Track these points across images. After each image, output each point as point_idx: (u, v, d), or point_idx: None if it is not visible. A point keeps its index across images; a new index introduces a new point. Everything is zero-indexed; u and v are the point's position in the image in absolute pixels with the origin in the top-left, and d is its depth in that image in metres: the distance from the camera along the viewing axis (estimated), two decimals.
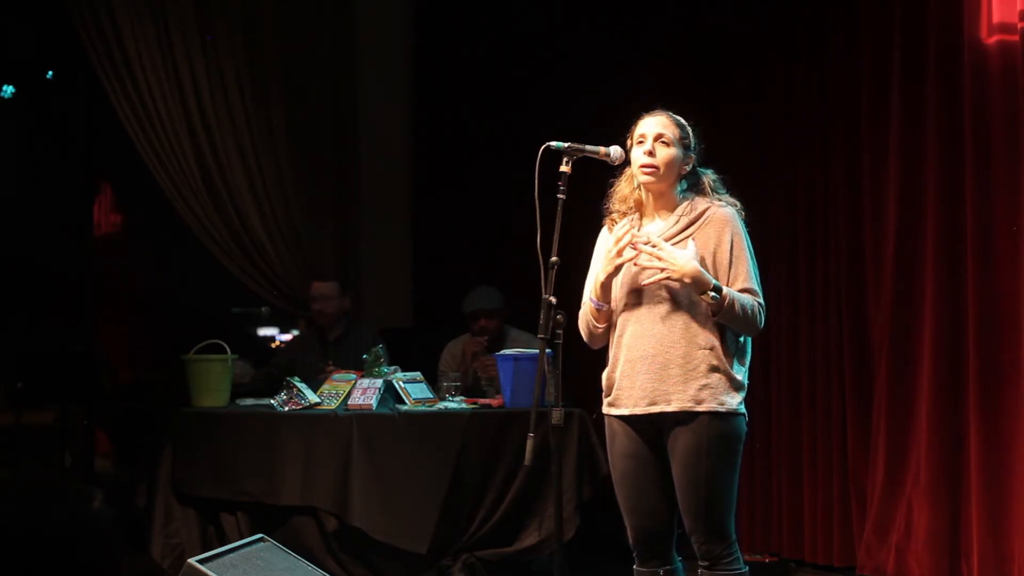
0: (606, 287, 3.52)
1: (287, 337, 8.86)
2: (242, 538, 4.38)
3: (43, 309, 8.23)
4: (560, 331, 3.41)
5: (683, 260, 3.38)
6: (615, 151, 3.56)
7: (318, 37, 7.19)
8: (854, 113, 5.33)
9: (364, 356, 5.41)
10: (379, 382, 5.20)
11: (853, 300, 5.34)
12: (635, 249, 3.47)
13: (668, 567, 3.55)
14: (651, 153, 3.49)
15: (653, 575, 3.55)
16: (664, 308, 3.45)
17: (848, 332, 5.35)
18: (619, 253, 3.45)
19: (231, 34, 6.73)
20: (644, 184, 3.53)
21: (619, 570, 3.87)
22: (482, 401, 5.34)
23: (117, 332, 9.09)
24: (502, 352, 5.28)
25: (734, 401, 3.44)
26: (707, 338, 3.43)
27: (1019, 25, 4.67)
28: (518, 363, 5.11)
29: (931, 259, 4.96)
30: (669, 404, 3.43)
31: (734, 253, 3.48)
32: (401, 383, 5.25)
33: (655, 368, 3.44)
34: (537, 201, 3.44)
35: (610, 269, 3.49)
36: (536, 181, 3.43)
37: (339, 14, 7.33)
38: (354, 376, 5.33)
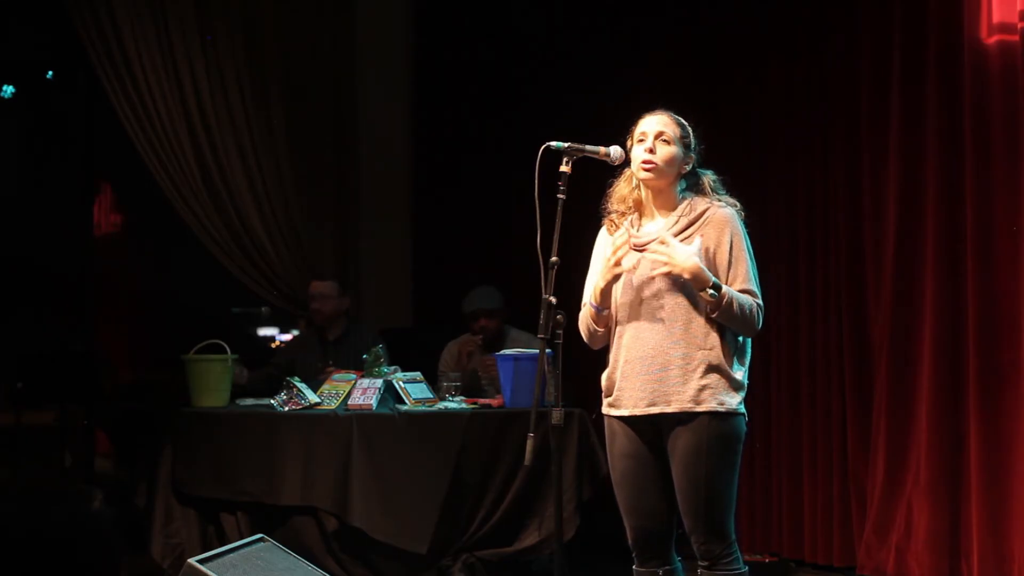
0: (605, 293, 3.52)
1: (287, 337, 8.86)
2: (242, 538, 4.38)
3: (43, 309, 8.22)
4: (560, 331, 3.41)
5: (684, 256, 3.38)
6: (615, 151, 3.56)
7: (318, 37, 7.19)
8: (854, 113, 5.33)
9: (364, 356, 5.41)
10: (379, 382, 5.20)
11: (853, 300, 5.34)
12: (637, 250, 3.47)
13: (668, 567, 3.55)
14: (652, 151, 3.49)
15: (653, 575, 3.55)
16: (664, 309, 3.45)
17: (848, 332, 5.35)
18: (618, 262, 3.45)
19: (231, 34, 6.73)
20: (644, 181, 3.53)
21: (619, 570, 3.87)
22: (482, 401, 5.34)
23: (117, 332, 9.09)
24: (502, 352, 5.28)
25: (734, 401, 3.44)
26: (707, 338, 3.43)
27: (1019, 25, 4.67)
28: (518, 363, 5.11)
29: (931, 259, 4.96)
30: (669, 405, 3.43)
31: (733, 254, 3.48)
32: (401, 383, 5.25)
33: (655, 369, 3.44)
34: (537, 201, 3.44)
35: (609, 277, 3.49)
36: (536, 181, 3.43)
37: (339, 14, 7.33)
38: (354, 376, 5.33)
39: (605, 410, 3.59)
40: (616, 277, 3.49)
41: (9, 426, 7.33)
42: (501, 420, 5.13)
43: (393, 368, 5.37)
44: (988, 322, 4.73)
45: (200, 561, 3.75)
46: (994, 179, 4.73)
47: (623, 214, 3.60)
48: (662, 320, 3.44)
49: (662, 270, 3.41)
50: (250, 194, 6.70)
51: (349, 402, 5.17)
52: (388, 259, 7.59)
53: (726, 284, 3.44)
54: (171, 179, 6.52)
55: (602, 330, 3.58)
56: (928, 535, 4.92)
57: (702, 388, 3.41)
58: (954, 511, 4.87)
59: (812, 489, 5.49)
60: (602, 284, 3.51)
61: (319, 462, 5.06)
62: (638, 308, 3.48)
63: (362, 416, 5.06)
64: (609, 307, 3.54)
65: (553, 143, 3.50)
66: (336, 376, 5.41)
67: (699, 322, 3.43)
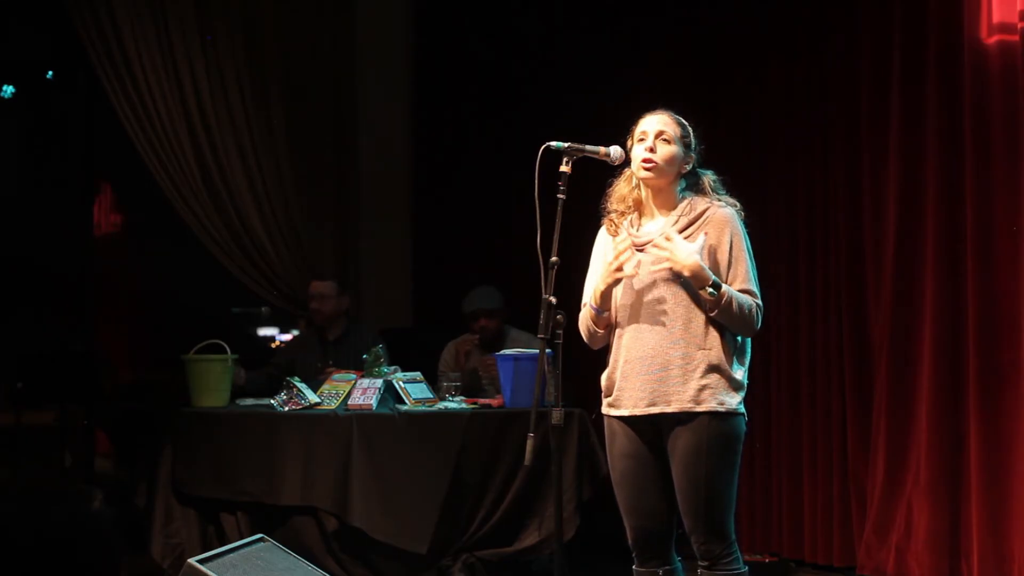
0: (605, 295, 3.52)
1: (287, 337, 8.85)
2: (242, 538, 4.38)
3: (43, 309, 8.22)
4: (560, 331, 3.41)
5: (685, 253, 3.38)
6: (615, 151, 3.56)
7: (318, 37, 7.19)
8: (854, 113, 5.33)
9: (364, 356, 5.41)
10: (379, 382, 5.20)
11: (853, 300, 5.34)
12: (638, 249, 3.48)
13: (667, 567, 3.55)
14: (652, 150, 3.49)
15: (653, 575, 3.55)
16: (664, 309, 3.45)
17: (848, 332, 5.35)
18: (619, 267, 3.45)
19: (231, 34, 6.73)
20: (644, 180, 3.54)
21: (619, 570, 3.87)
22: (482, 401, 5.34)
23: (117, 332, 9.09)
24: (502, 352, 5.28)
25: (734, 401, 3.44)
26: (707, 338, 3.43)
27: (1019, 25, 4.67)
28: (518, 363, 5.11)
29: (931, 259, 4.96)
30: (669, 405, 3.43)
31: (733, 254, 3.48)
32: (401, 383, 5.25)
33: (655, 369, 3.44)
34: (537, 201, 3.44)
35: (609, 281, 3.48)
36: (536, 181, 3.43)
37: (339, 14, 7.33)
38: (354, 376, 5.33)
39: (605, 410, 3.59)
40: (617, 281, 3.49)
41: (9, 426, 7.33)
42: (501, 420, 5.13)
43: (393, 368, 5.37)
44: (988, 322, 4.73)
45: (200, 561, 3.75)
46: (994, 179, 4.73)
47: (623, 213, 3.60)
48: (662, 320, 3.44)
49: (663, 266, 3.41)
50: (250, 194, 6.70)
51: (349, 402, 5.17)
52: (388, 259, 7.59)
53: (726, 284, 3.44)
54: (171, 179, 6.52)
55: (602, 331, 3.58)
56: (928, 535, 4.92)
57: (702, 388, 3.41)
58: (954, 511, 4.87)
59: (812, 489, 5.49)
60: (602, 287, 3.51)
61: (319, 462, 5.06)
62: (638, 309, 3.48)
63: (362, 416, 5.06)
64: (609, 309, 3.54)
65: (553, 143, 3.50)
66: (336, 376, 5.41)
67: (699, 322, 3.43)
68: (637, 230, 3.57)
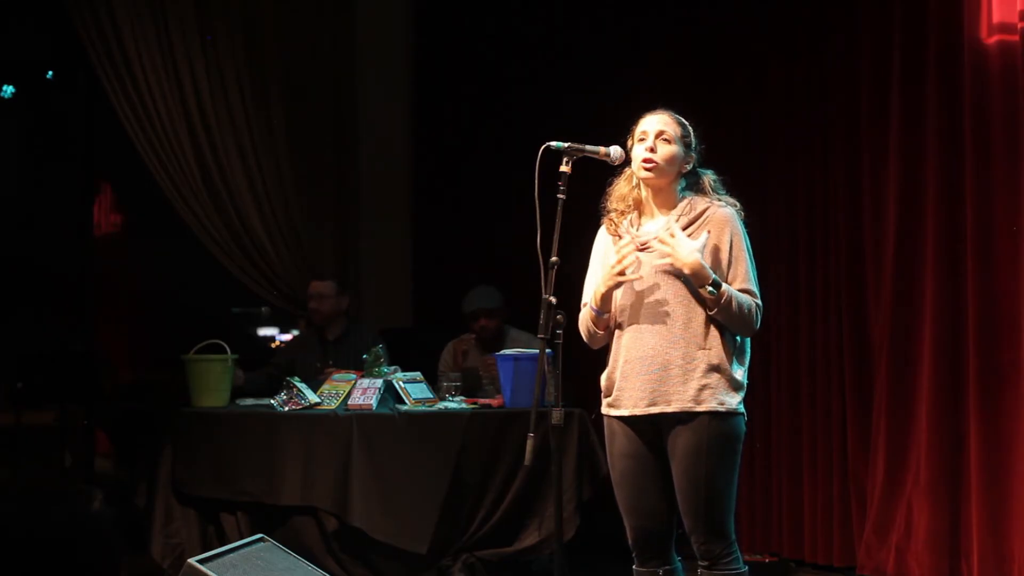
0: (606, 297, 3.52)
1: (287, 337, 8.85)
2: (242, 538, 4.38)
3: (43, 309, 8.22)
4: (560, 331, 3.41)
5: (686, 251, 3.38)
6: (615, 151, 3.56)
7: (318, 37, 7.19)
8: (854, 113, 5.33)
9: (364, 356, 5.41)
10: (379, 382, 5.20)
11: (853, 300, 5.34)
12: (639, 249, 3.48)
13: (668, 567, 3.55)
14: (652, 149, 3.49)
15: (653, 575, 3.55)
16: (664, 309, 3.45)
17: (848, 332, 5.35)
18: (622, 272, 3.45)
19: (231, 34, 6.72)
20: (644, 180, 3.54)
21: (619, 570, 3.87)
22: (482, 401, 5.34)
23: (117, 332, 9.09)
24: (502, 352, 5.28)
25: (734, 401, 3.44)
26: (707, 338, 3.43)
27: (1019, 25, 4.67)
28: (518, 363, 5.11)
29: (931, 259, 4.96)
30: (669, 404, 3.43)
31: (733, 253, 3.48)
32: (401, 383, 5.26)
33: (655, 368, 3.44)
34: (537, 201, 3.45)
35: (611, 284, 3.48)
36: (536, 181, 3.43)
37: (339, 14, 7.33)
38: (354, 376, 5.33)
39: (604, 410, 3.59)
40: (618, 284, 3.49)
41: (9, 426, 7.33)
42: (501, 420, 5.13)
43: (393, 368, 5.37)
44: (988, 322, 4.73)
45: (200, 561, 3.75)
46: (994, 179, 4.73)
47: (623, 213, 3.60)
48: (662, 320, 3.44)
49: (664, 261, 3.41)
50: (250, 194, 6.70)
51: (349, 402, 5.17)
52: (388, 259, 7.59)
53: (725, 282, 3.44)
54: (171, 179, 6.52)
55: (602, 332, 3.58)
56: (928, 535, 4.92)
57: (702, 388, 3.41)
58: (954, 511, 4.87)
59: (812, 489, 5.49)
60: (603, 289, 3.50)
61: (319, 462, 5.06)
62: (638, 309, 3.48)
63: (362, 416, 5.06)
64: (609, 311, 3.54)
65: (553, 143, 3.50)
66: (336, 376, 5.41)
67: (699, 322, 3.43)
68: (637, 229, 3.57)
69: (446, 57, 7.46)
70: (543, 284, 3.40)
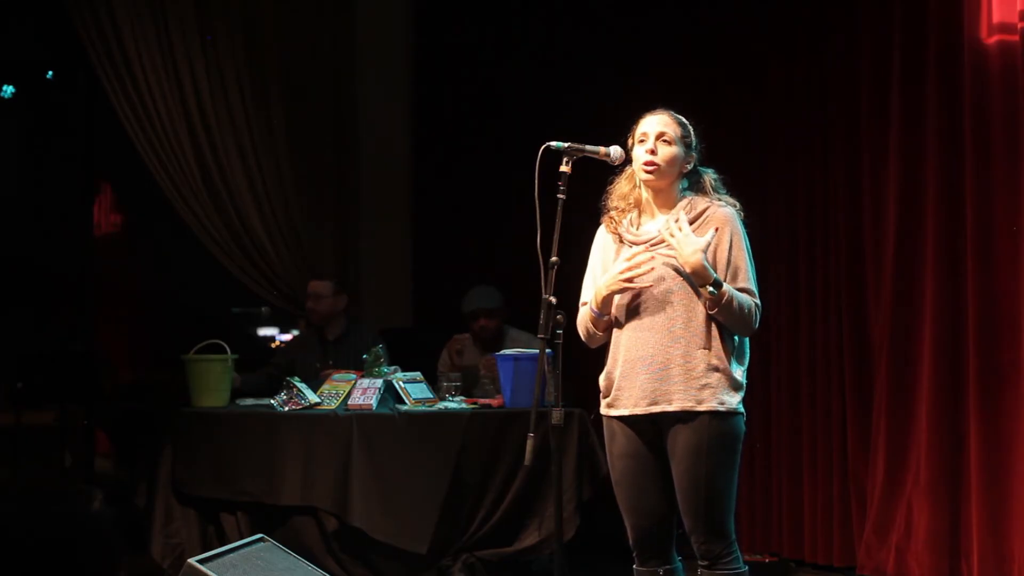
0: (608, 299, 3.52)
1: (287, 337, 8.85)
2: (242, 538, 4.38)
3: (43, 309, 8.22)
4: (560, 331, 3.41)
5: (690, 250, 3.38)
6: (615, 151, 3.56)
7: (318, 37, 7.19)
8: (854, 113, 5.33)
9: (364, 356, 5.41)
10: (379, 382, 5.20)
11: (853, 300, 5.34)
12: (637, 243, 3.48)
13: (668, 567, 3.55)
14: (653, 151, 3.49)
15: (653, 575, 3.55)
16: (664, 308, 3.44)
17: (848, 332, 5.35)
18: (630, 279, 3.44)
19: (231, 34, 6.72)
20: (645, 182, 3.54)
21: (619, 570, 3.87)
22: (482, 401, 5.34)
23: (117, 332, 9.09)
24: (502, 352, 5.28)
25: (734, 400, 3.44)
26: (707, 338, 3.43)
27: (1019, 25, 4.67)
28: (518, 363, 5.11)
29: (931, 259, 4.96)
30: (670, 404, 3.43)
31: (733, 253, 3.48)
32: (401, 383, 5.26)
33: (655, 368, 3.44)
34: (537, 201, 3.44)
35: (616, 288, 3.47)
36: (536, 181, 3.43)
37: (339, 14, 7.33)
38: (354, 376, 5.33)
39: (603, 411, 3.58)
40: (624, 290, 3.48)
41: (9, 426, 7.33)
42: (501, 420, 5.13)
43: (393, 368, 5.38)
44: (988, 322, 4.73)
45: (200, 561, 3.76)
46: (994, 179, 4.73)
47: (623, 212, 3.60)
48: (662, 320, 3.44)
49: (669, 255, 3.41)
50: (250, 194, 6.70)
51: (349, 402, 5.17)
52: (388, 259, 7.59)
53: (724, 282, 3.44)
54: (171, 179, 6.52)
55: (601, 333, 3.58)
56: (928, 535, 4.92)
57: (703, 387, 3.41)
58: (954, 511, 4.87)
59: (812, 489, 5.49)
60: (605, 292, 3.49)
61: (319, 462, 5.06)
62: (638, 308, 3.48)
63: (362, 416, 5.06)
64: (610, 313, 3.54)
65: (553, 143, 3.50)
66: (336, 376, 5.41)
67: (699, 321, 3.43)
68: (637, 228, 3.58)
69: (446, 57, 7.46)
70: (543, 284, 3.40)
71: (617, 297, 3.51)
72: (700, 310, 3.43)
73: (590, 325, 3.58)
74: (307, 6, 7.12)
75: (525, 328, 5.66)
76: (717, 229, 3.46)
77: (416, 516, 5.00)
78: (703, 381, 3.41)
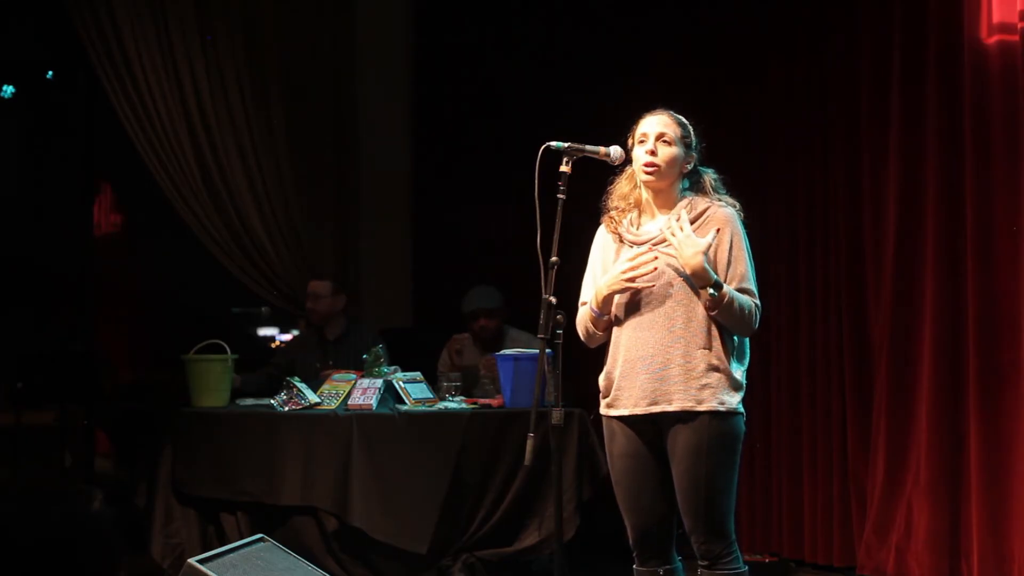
0: (608, 299, 3.51)
1: (287, 337, 8.86)
2: (242, 538, 4.38)
3: (43, 309, 8.22)
4: (560, 331, 3.41)
5: (690, 252, 3.38)
6: (615, 151, 3.56)
7: (318, 37, 7.19)
8: (854, 113, 5.33)
9: (364, 356, 5.41)
10: (379, 382, 5.20)
11: (853, 300, 5.34)
12: (637, 243, 3.48)
13: (668, 567, 3.55)
14: (653, 152, 3.49)
15: (653, 574, 3.55)
16: (664, 308, 3.44)
17: (848, 332, 5.35)
18: (633, 279, 3.44)
19: (231, 34, 6.72)
20: (645, 183, 3.54)
21: (619, 570, 3.87)
22: (482, 401, 5.34)
23: (117, 332, 9.09)
24: (502, 352, 5.28)
25: (734, 400, 3.44)
26: (707, 338, 3.43)
27: (1019, 25, 4.67)
28: (518, 363, 5.11)
29: (931, 259, 4.96)
30: (671, 404, 3.43)
31: (733, 254, 3.48)
32: (401, 383, 5.26)
33: (655, 368, 3.44)
34: (537, 201, 3.45)
35: (617, 288, 3.47)
36: (536, 181, 3.43)
37: (339, 14, 7.33)
38: (354, 376, 5.33)
39: (603, 411, 3.58)
40: (626, 290, 3.48)
41: (9, 426, 7.33)
42: (501, 420, 5.13)
43: (393, 368, 5.38)
44: (988, 322, 4.73)
45: (200, 561, 3.76)
46: (994, 179, 4.73)
47: (623, 211, 3.60)
48: (662, 319, 3.44)
49: (669, 250, 3.41)
50: (250, 194, 6.70)
51: (349, 402, 5.17)
52: (388, 259, 7.60)
53: (724, 282, 3.44)
54: (171, 179, 6.52)
55: (601, 332, 3.58)
56: (928, 535, 4.92)
57: (703, 387, 3.41)
58: (954, 511, 4.87)
59: (812, 489, 5.49)
60: (606, 292, 3.49)
61: (319, 462, 5.06)
62: (638, 308, 3.48)
63: (362, 416, 5.06)
64: (610, 312, 3.54)
65: (553, 143, 3.50)
66: (336, 376, 5.41)
67: (699, 321, 3.43)
68: (637, 228, 3.58)
69: (446, 57, 7.46)
70: (543, 284, 3.40)
71: (617, 296, 3.51)
72: (700, 310, 3.43)
73: (590, 325, 3.58)
74: (307, 6, 7.12)
75: (525, 328, 5.66)
76: (718, 230, 3.45)
77: (416, 516, 5.00)
78: (703, 381, 3.41)
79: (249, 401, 5.58)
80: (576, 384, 4.95)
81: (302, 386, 5.25)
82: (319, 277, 6.30)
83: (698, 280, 3.40)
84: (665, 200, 3.56)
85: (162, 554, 5.26)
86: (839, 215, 5.40)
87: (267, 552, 4.04)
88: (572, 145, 3.51)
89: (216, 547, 4.20)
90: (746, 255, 3.51)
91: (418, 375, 5.41)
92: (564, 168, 3.48)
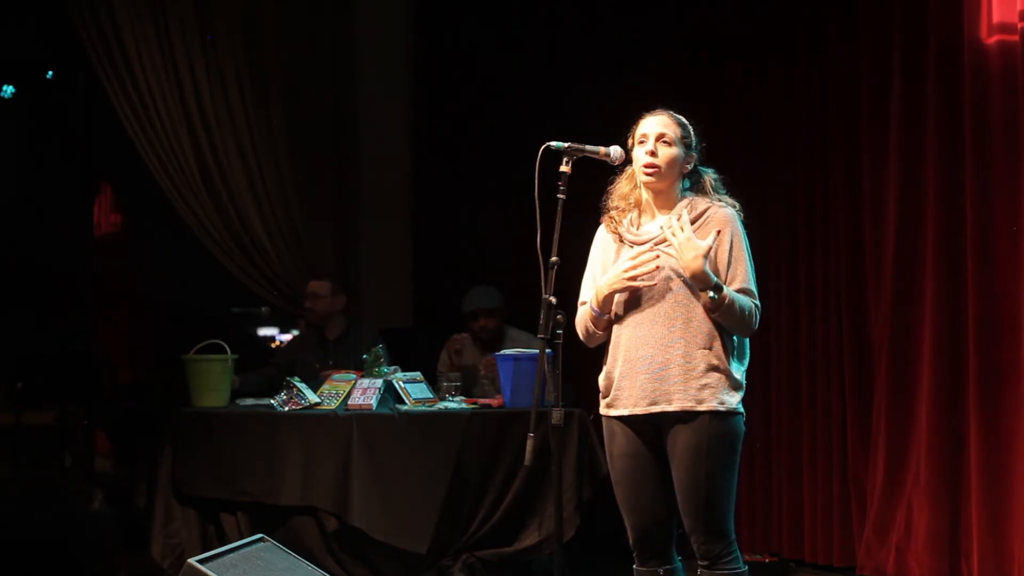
0: (609, 299, 3.51)
1: (287, 337, 8.86)
2: (242, 538, 4.38)
3: (43, 309, 8.22)
4: (560, 331, 3.41)
5: (690, 256, 3.37)
6: (615, 151, 3.56)
7: (318, 37, 7.19)
8: (854, 113, 5.33)
9: (364, 356, 5.41)
10: (379, 382, 5.20)
11: (853, 300, 5.34)
12: (638, 243, 3.48)
13: (668, 567, 3.55)
14: (653, 153, 3.49)
15: (653, 574, 3.55)
16: (664, 308, 3.44)
17: (848, 332, 5.35)
18: (634, 278, 3.44)
19: (231, 34, 6.73)
20: (646, 184, 3.54)
21: (619, 570, 3.87)
22: (482, 401, 5.34)
23: (117, 332, 9.10)
24: (502, 352, 5.28)
25: (734, 400, 3.44)
26: (707, 338, 3.43)
27: (1019, 25, 4.67)
28: (518, 363, 5.11)
29: (931, 259, 4.96)
30: (670, 404, 3.43)
31: (733, 254, 3.48)
32: (401, 383, 5.26)
33: (655, 368, 3.44)
34: (537, 201, 3.44)
35: (618, 287, 3.47)
36: (536, 181, 3.43)
37: (339, 14, 7.33)
38: (354, 376, 5.33)
39: (603, 411, 3.58)
40: (627, 289, 3.48)
41: (9, 426, 7.34)
42: (501, 420, 5.13)
43: (393, 368, 5.38)
44: (988, 322, 4.73)
45: (200, 561, 3.76)
46: (994, 179, 4.73)
47: (623, 211, 3.60)
48: (662, 319, 3.44)
49: (669, 250, 3.41)
50: (250, 194, 6.70)
51: (349, 402, 5.17)
52: (388, 259, 7.60)
53: (724, 283, 3.44)
54: (171, 179, 6.52)
55: (600, 332, 3.58)
56: (928, 535, 4.92)
57: (703, 387, 3.41)
58: (954, 511, 4.87)
59: (812, 489, 5.49)
60: (607, 291, 3.49)
61: (319, 462, 5.06)
62: (638, 307, 3.48)
63: (362, 416, 5.06)
64: (610, 311, 3.54)
65: (553, 143, 3.50)
66: (336, 376, 5.41)
67: (699, 321, 3.43)
68: (637, 228, 3.58)
69: (446, 57, 7.47)
70: (543, 284, 3.40)
71: (618, 296, 3.51)
72: (700, 310, 3.43)
73: (590, 324, 3.58)
74: (307, 6, 7.12)
75: (525, 328, 5.66)
76: (719, 232, 3.45)
77: (416, 516, 5.00)
78: (703, 381, 3.41)
79: (249, 401, 5.58)
80: (576, 384, 4.95)
81: (302, 386, 5.25)
82: (318, 277, 6.30)
83: (698, 283, 3.40)
84: (665, 200, 3.56)
85: (162, 554, 5.26)
86: (839, 215, 5.40)
87: (267, 552, 4.04)
88: (572, 145, 3.51)
89: (216, 547, 4.20)
90: (746, 255, 3.50)
91: (418, 375, 5.41)
92: (564, 168, 3.48)
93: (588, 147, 3.53)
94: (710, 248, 3.40)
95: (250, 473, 5.18)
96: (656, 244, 3.49)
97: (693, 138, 3.57)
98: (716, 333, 3.43)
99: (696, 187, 3.59)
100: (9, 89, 8.10)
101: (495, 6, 7.12)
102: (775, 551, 5.62)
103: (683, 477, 3.43)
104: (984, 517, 4.70)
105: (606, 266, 3.57)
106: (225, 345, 5.40)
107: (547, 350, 3.40)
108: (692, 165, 3.58)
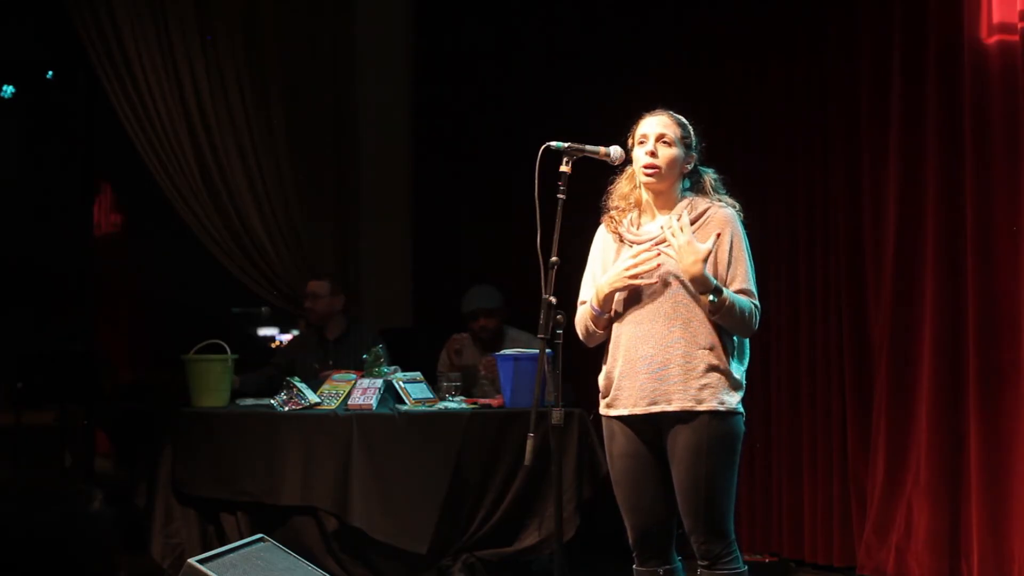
0: (609, 298, 3.51)
1: (287, 337, 8.86)
2: (242, 538, 4.38)
3: (43, 309, 8.22)
4: (560, 331, 3.41)
5: (690, 259, 3.37)
6: (615, 151, 3.56)
7: (318, 37, 7.20)
8: (854, 113, 5.33)
9: (364, 356, 5.41)
10: (379, 382, 5.20)
11: (853, 300, 5.34)
12: (638, 243, 3.48)
13: (668, 567, 3.55)
14: (653, 153, 3.49)
15: (653, 574, 3.55)
16: (664, 308, 3.44)
17: (848, 332, 5.35)
18: (635, 276, 3.44)
19: (231, 34, 6.73)
20: (646, 184, 3.54)
21: (619, 570, 3.87)
22: (482, 401, 5.34)
23: (117, 332, 9.09)
24: (502, 352, 5.28)
25: (734, 400, 3.44)
26: (707, 337, 3.43)
27: (1019, 25, 4.67)
28: (518, 363, 5.11)
29: (931, 259, 4.96)
30: (670, 404, 3.43)
31: (733, 254, 3.48)
32: (401, 383, 5.26)
33: (655, 368, 3.44)
34: (537, 201, 3.44)
35: (619, 286, 3.47)
36: (536, 181, 3.43)
37: (339, 14, 7.33)
38: (354, 376, 5.33)
39: (603, 411, 3.58)
40: (627, 288, 3.48)
41: (9, 426, 7.34)
42: (501, 420, 5.13)
43: (393, 368, 5.38)
44: (988, 322, 4.73)
45: (200, 561, 3.76)
46: (994, 179, 4.73)
47: (623, 211, 3.60)
48: (662, 319, 3.44)
49: (669, 250, 3.41)
50: (250, 194, 6.70)
51: (349, 402, 5.17)
52: (388, 259, 7.60)
53: (724, 284, 3.44)
54: (171, 179, 6.52)
55: (600, 331, 3.58)
56: (928, 535, 4.92)
57: (703, 387, 3.41)
58: (954, 511, 4.87)
59: (812, 489, 5.49)
60: (607, 290, 3.49)
61: (319, 462, 5.06)
62: (638, 305, 3.48)
63: (362, 416, 5.06)
64: (610, 311, 3.54)
65: (553, 143, 3.50)
66: (336, 376, 5.41)
67: (699, 321, 3.43)
68: (637, 228, 3.58)
69: (446, 57, 7.47)
70: (543, 284, 3.40)
71: (618, 295, 3.51)
72: (700, 310, 3.43)
73: (590, 323, 3.58)
74: (307, 6, 7.12)
75: (525, 328, 5.66)
76: (719, 235, 3.45)
77: (416, 516, 5.00)
78: (703, 381, 3.41)
79: (249, 401, 5.58)
80: (576, 384, 4.95)
81: (302, 386, 5.25)
82: (318, 277, 6.30)
83: (698, 287, 3.39)
84: (665, 201, 3.56)
85: (162, 554, 5.26)
86: (839, 215, 5.40)
87: (267, 552, 4.04)
88: (572, 145, 3.51)
89: (216, 547, 4.21)
90: (746, 256, 3.50)
91: (418, 375, 5.41)
92: (564, 168, 3.48)
93: (588, 147, 3.53)
94: (709, 252, 3.40)
95: (250, 473, 5.18)
96: (656, 244, 3.49)
97: (693, 138, 3.57)
98: (716, 333, 3.43)
99: (696, 187, 3.59)
100: (9, 89, 8.09)
101: (495, 6, 7.13)
102: (775, 551, 5.62)
103: (683, 477, 3.43)
104: (984, 517, 4.70)
105: (606, 266, 3.57)
106: (225, 345, 5.40)
107: (547, 350, 3.40)
108: (692, 165, 3.58)
